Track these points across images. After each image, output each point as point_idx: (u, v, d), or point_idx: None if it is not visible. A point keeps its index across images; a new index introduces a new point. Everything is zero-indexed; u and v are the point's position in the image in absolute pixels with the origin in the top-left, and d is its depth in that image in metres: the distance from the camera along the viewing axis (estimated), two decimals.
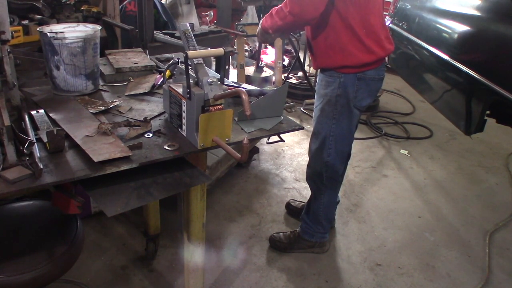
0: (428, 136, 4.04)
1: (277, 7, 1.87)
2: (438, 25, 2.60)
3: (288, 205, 2.75)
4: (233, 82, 2.06)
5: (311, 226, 2.34)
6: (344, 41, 1.87)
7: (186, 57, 1.25)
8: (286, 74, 4.08)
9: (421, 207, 2.90)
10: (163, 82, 1.72)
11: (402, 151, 3.71)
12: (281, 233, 2.44)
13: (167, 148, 1.30)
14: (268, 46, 5.51)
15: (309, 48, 2.06)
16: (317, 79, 2.12)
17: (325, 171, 2.17)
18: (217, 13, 3.88)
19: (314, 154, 2.18)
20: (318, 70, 2.10)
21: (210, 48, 1.51)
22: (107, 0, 2.76)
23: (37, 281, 1.28)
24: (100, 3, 2.77)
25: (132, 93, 1.70)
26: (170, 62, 1.78)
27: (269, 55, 5.25)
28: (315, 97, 2.14)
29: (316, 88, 2.12)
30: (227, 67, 3.51)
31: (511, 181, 3.32)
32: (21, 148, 1.16)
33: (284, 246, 2.38)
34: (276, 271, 2.25)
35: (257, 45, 4.59)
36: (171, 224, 2.46)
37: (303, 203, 2.66)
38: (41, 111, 1.45)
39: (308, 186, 2.35)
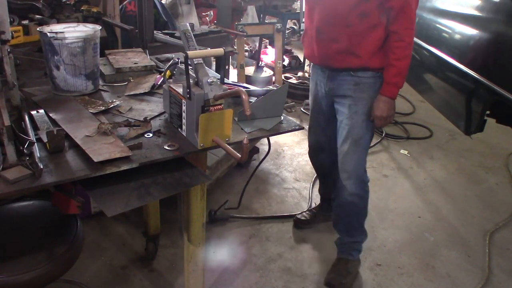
0: (428, 136, 4.04)
1: (397, 63, 1.78)
2: (438, 26, 2.60)
3: (297, 221, 2.59)
4: (233, 82, 2.06)
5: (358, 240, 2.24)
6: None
7: (186, 57, 1.25)
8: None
9: (421, 207, 2.90)
10: (163, 82, 1.72)
11: (402, 151, 3.70)
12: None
13: (167, 148, 1.30)
14: (268, 46, 5.51)
15: (345, 45, 1.85)
16: (341, 79, 1.95)
17: (366, 178, 2.11)
18: (217, 13, 3.89)
19: (357, 165, 2.03)
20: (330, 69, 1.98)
21: (210, 48, 1.51)
22: (107, 0, 2.76)
23: (37, 281, 1.28)
24: (100, 3, 2.77)
25: (132, 93, 1.70)
26: (170, 62, 1.78)
27: (269, 55, 5.25)
28: (344, 101, 1.97)
29: (343, 91, 1.96)
30: (227, 67, 3.51)
31: (511, 181, 3.32)
32: (21, 148, 1.16)
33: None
34: (276, 271, 2.25)
35: (257, 45, 4.59)
36: (171, 224, 2.46)
37: (310, 212, 2.61)
38: (41, 111, 1.45)
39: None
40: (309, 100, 2.25)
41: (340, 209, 2.20)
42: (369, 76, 1.89)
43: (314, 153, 2.37)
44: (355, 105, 1.94)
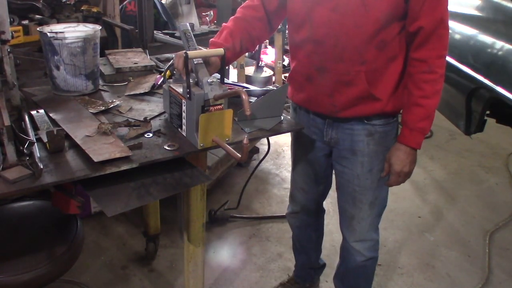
0: (428, 136, 4.04)
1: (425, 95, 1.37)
2: None
3: None
4: (233, 82, 2.06)
5: None
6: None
7: (186, 57, 1.25)
8: None
9: (421, 207, 2.90)
10: (163, 82, 1.72)
11: None
12: None
13: (167, 148, 1.30)
14: (268, 46, 5.51)
15: (362, 87, 1.40)
16: (348, 129, 1.51)
17: (379, 236, 1.70)
18: (217, 13, 3.88)
19: (372, 228, 1.64)
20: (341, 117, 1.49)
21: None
22: (107, 0, 2.76)
23: (37, 281, 1.28)
24: (100, 3, 2.78)
25: (132, 93, 1.70)
26: (170, 62, 1.78)
27: (269, 55, 5.24)
28: (354, 157, 1.53)
29: (350, 143, 1.52)
30: (227, 67, 3.51)
31: (511, 181, 3.32)
32: (21, 148, 1.16)
33: None
34: (276, 271, 2.25)
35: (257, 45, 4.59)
36: (171, 224, 2.46)
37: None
38: (41, 111, 1.45)
39: None
40: (292, 150, 1.80)
41: (348, 276, 1.81)
42: (383, 123, 1.48)
43: (304, 219, 1.88)
44: (369, 162, 1.52)
